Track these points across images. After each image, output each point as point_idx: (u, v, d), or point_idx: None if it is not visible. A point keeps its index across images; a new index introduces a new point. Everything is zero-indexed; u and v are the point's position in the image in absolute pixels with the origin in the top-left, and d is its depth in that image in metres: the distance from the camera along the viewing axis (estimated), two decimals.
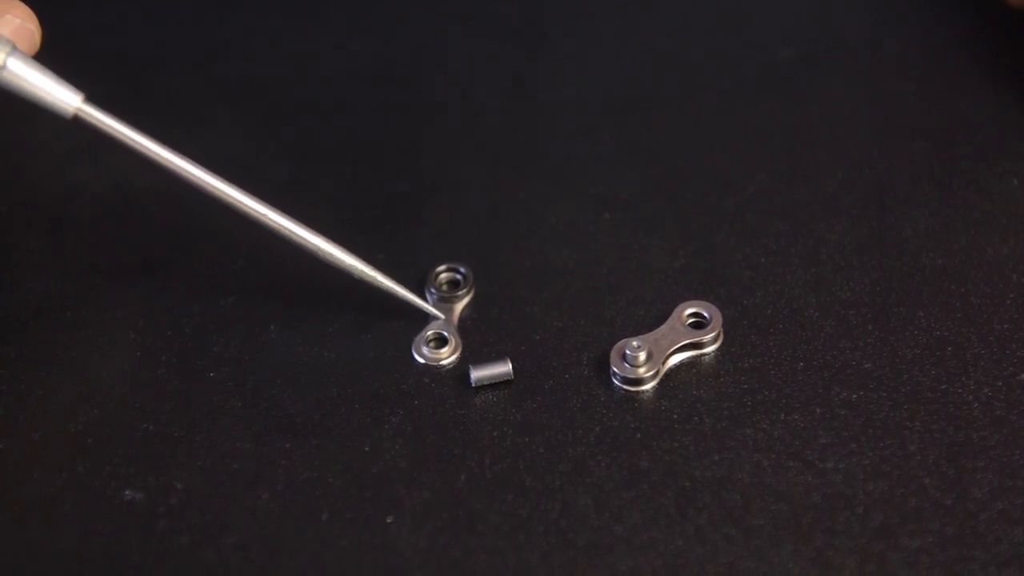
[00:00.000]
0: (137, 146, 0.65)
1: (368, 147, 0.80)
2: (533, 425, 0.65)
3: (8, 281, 0.72)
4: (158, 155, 0.65)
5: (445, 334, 0.69)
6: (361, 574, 0.61)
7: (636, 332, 0.68)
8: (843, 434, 0.64)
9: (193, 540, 0.61)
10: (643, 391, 0.66)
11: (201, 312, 0.70)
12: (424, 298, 0.70)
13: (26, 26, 0.64)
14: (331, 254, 0.67)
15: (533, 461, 0.64)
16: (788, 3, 0.88)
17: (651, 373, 0.66)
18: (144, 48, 0.87)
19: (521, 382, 0.67)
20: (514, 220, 0.75)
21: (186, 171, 0.65)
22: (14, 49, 0.63)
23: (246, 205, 0.66)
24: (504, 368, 0.67)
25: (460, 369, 0.68)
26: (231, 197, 0.66)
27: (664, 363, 0.67)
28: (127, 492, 0.63)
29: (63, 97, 0.64)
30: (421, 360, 0.68)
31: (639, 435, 0.65)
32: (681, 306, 0.69)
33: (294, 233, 0.67)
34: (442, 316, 0.69)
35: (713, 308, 0.68)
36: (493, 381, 0.67)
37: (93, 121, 0.64)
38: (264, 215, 0.66)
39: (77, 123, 0.64)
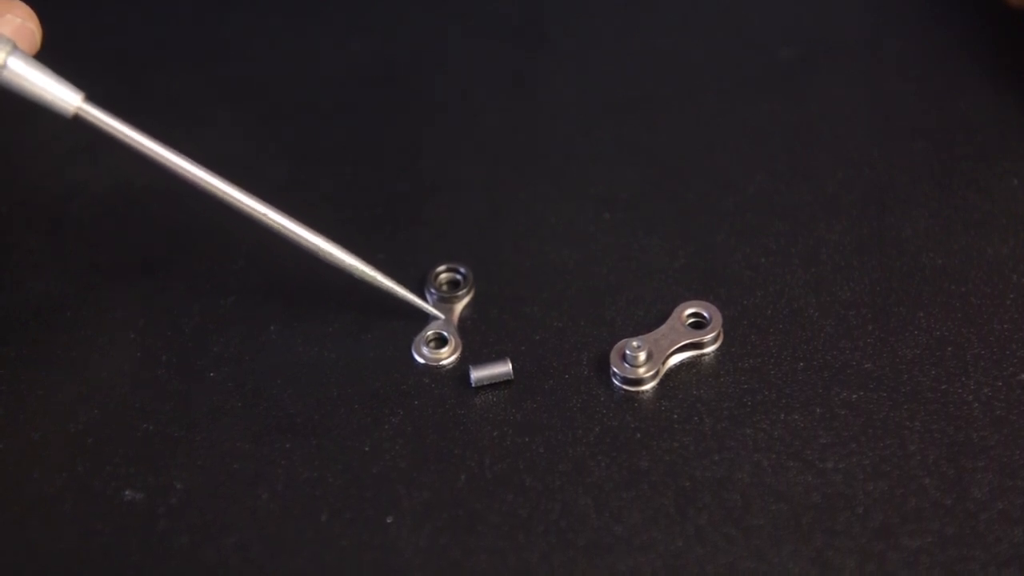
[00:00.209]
0: (137, 145, 0.65)
1: (368, 147, 0.80)
2: (533, 425, 0.65)
3: (8, 281, 0.72)
4: (158, 154, 0.65)
5: (445, 334, 0.69)
6: (361, 574, 0.61)
7: (636, 332, 0.68)
8: (843, 434, 0.64)
9: (193, 540, 0.61)
10: (643, 391, 0.66)
11: (201, 312, 0.70)
12: (424, 298, 0.70)
13: (27, 25, 0.64)
14: (331, 254, 0.67)
15: (533, 461, 0.64)
16: (788, 3, 0.88)
17: (651, 373, 0.66)
18: (144, 48, 0.87)
19: (521, 382, 0.67)
20: (514, 220, 0.75)
21: (186, 170, 0.65)
22: (15, 48, 0.63)
23: (246, 205, 0.66)
24: (504, 368, 0.67)
25: (460, 369, 0.68)
26: (231, 197, 0.66)
27: (664, 363, 0.67)
28: (127, 492, 0.63)
29: (63, 96, 0.64)
30: (421, 360, 0.68)
31: (639, 435, 0.65)
32: (681, 306, 0.69)
33: (294, 233, 0.67)
34: (442, 316, 0.69)
35: (713, 308, 0.68)
36: (493, 381, 0.67)
37: (93, 120, 0.64)
38: (264, 215, 0.66)
39: (77, 122, 0.64)
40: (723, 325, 0.68)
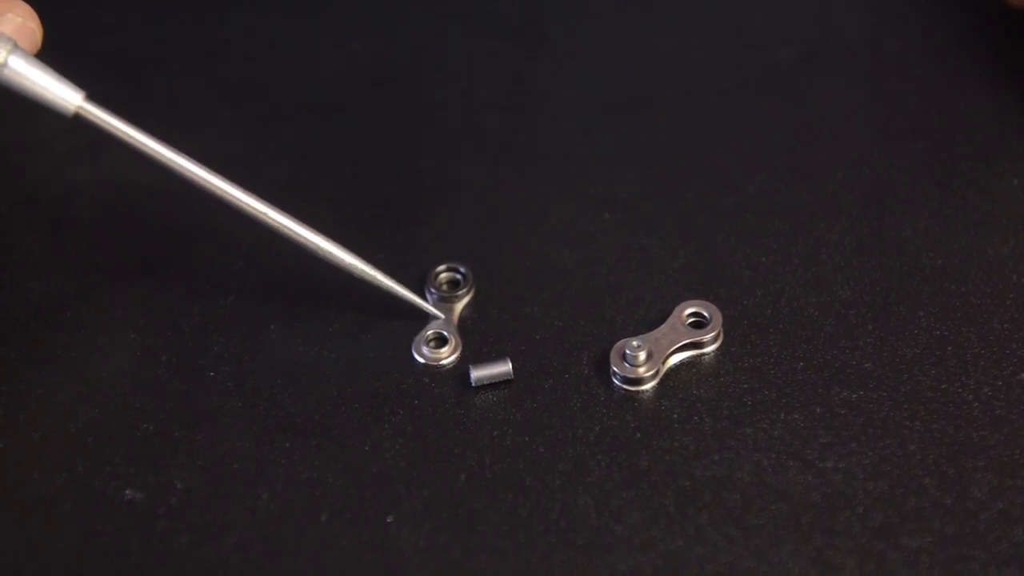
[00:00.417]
0: (138, 144, 0.65)
1: (368, 147, 0.80)
2: (533, 425, 0.65)
3: (8, 281, 0.72)
4: (159, 153, 0.65)
5: (445, 334, 0.69)
6: (361, 574, 0.61)
7: (636, 332, 0.68)
8: (843, 434, 0.64)
9: (193, 540, 0.61)
10: (643, 391, 0.66)
11: (201, 312, 0.70)
12: (424, 298, 0.70)
13: (27, 25, 0.64)
14: (331, 253, 0.67)
15: (533, 461, 0.64)
16: (788, 3, 0.88)
17: (651, 373, 0.66)
18: (144, 48, 0.87)
19: (521, 382, 0.67)
20: (514, 220, 0.75)
21: (187, 170, 0.65)
22: (15, 47, 0.63)
23: (246, 204, 0.66)
24: (504, 368, 0.67)
25: (460, 369, 0.68)
26: (231, 196, 0.66)
27: (664, 363, 0.67)
28: (127, 491, 0.63)
29: (64, 95, 0.64)
30: (421, 360, 0.68)
31: (639, 435, 0.65)
32: (681, 306, 0.69)
33: (294, 232, 0.67)
34: (442, 316, 0.69)
35: (713, 308, 0.68)
36: (493, 381, 0.67)
37: (94, 119, 0.64)
38: (264, 214, 0.66)
39: (78, 122, 0.64)
40: (723, 325, 0.68)
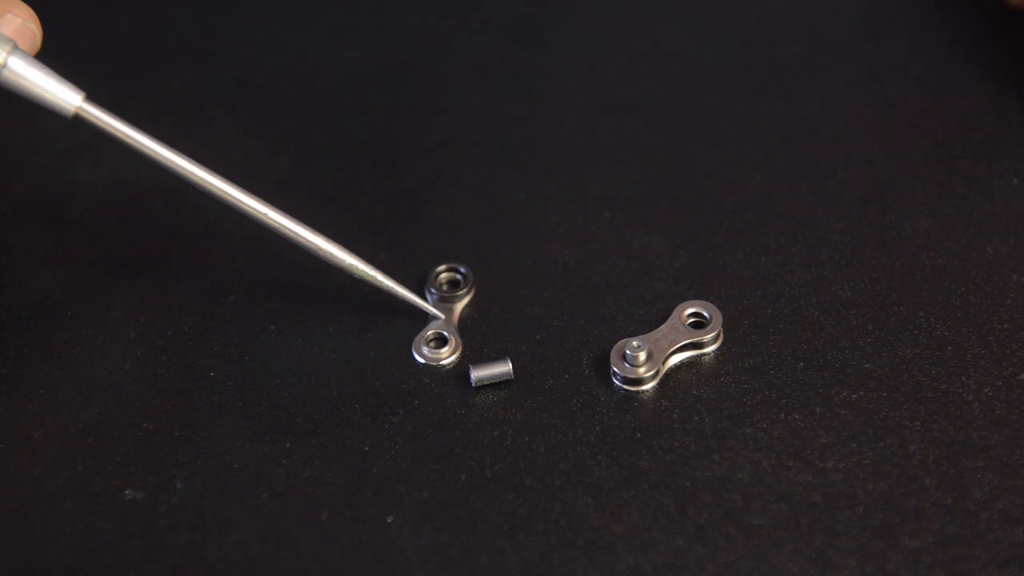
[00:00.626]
0: (138, 145, 0.65)
1: (368, 147, 0.80)
2: (533, 425, 0.65)
3: (9, 280, 0.72)
4: (159, 154, 0.65)
5: (445, 334, 0.69)
6: (361, 573, 0.61)
7: (636, 332, 0.68)
8: (843, 434, 0.64)
9: (194, 539, 0.62)
10: (643, 391, 0.66)
11: (201, 311, 0.70)
12: (424, 298, 0.70)
13: (27, 26, 0.64)
14: (331, 253, 0.67)
15: (533, 461, 0.64)
16: (788, 3, 0.88)
17: (651, 373, 0.66)
18: (144, 48, 0.87)
19: (521, 382, 0.67)
20: (514, 220, 0.75)
21: (187, 170, 0.65)
22: (15, 48, 0.63)
23: (246, 204, 0.66)
24: (504, 368, 0.67)
25: (460, 369, 0.68)
26: (231, 196, 0.66)
27: (664, 363, 0.67)
28: (127, 492, 0.63)
29: (64, 96, 0.64)
30: (421, 360, 0.68)
31: (639, 435, 0.65)
32: (681, 306, 0.69)
33: (294, 232, 0.67)
34: (442, 316, 0.69)
35: (713, 308, 0.68)
36: (493, 381, 0.67)
37: (94, 120, 0.64)
38: (264, 214, 0.66)
39: (78, 122, 0.64)
40: (723, 325, 0.68)
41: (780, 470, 0.63)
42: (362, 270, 0.68)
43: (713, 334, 0.68)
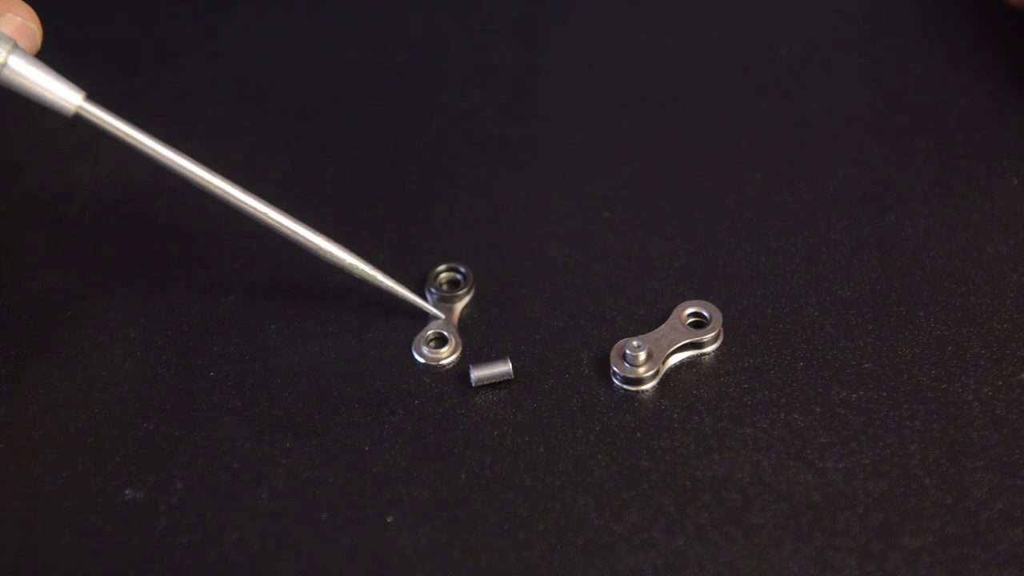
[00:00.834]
0: (138, 144, 0.65)
1: (368, 147, 0.80)
2: (533, 425, 0.65)
3: (9, 280, 0.72)
4: (159, 153, 0.65)
5: (445, 334, 0.69)
6: (361, 573, 0.61)
7: (636, 331, 0.68)
8: (843, 434, 0.64)
9: (194, 539, 0.62)
10: (643, 391, 0.66)
11: (201, 311, 0.70)
12: (424, 298, 0.70)
13: (28, 25, 0.64)
14: (331, 253, 0.67)
15: (533, 461, 0.64)
16: (788, 3, 0.88)
17: (651, 373, 0.66)
18: (144, 48, 0.87)
19: (521, 382, 0.67)
20: (514, 220, 0.75)
21: (187, 169, 0.65)
22: (15, 47, 0.63)
23: (247, 204, 0.66)
24: (504, 368, 0.67)
25: (460, 369, 0.68)
26: (232, 195, 0.66)
27: (664, 363, 0.67)
28: (128, 492, 0.63)
29: (64, 95, 0.64)
30: (421, 360, 0.68)
31: (639, 435, 0.65)
32: (681, 306, 0.69)
33: (295, 232, 0.67)
34: (442, 316, 0.69)
35: (713, 308, 0.69)
36: (493, 381, 0.67)
37: (94, 119, 0.64)
38: (264, 214, 0.66)
39: (78, 121, 0.64)
40: (723, 325, 0.68)
41: (780, 470, 0.63)
42: (362, 270, 0.68)
43: (713, 334, 0.68)
